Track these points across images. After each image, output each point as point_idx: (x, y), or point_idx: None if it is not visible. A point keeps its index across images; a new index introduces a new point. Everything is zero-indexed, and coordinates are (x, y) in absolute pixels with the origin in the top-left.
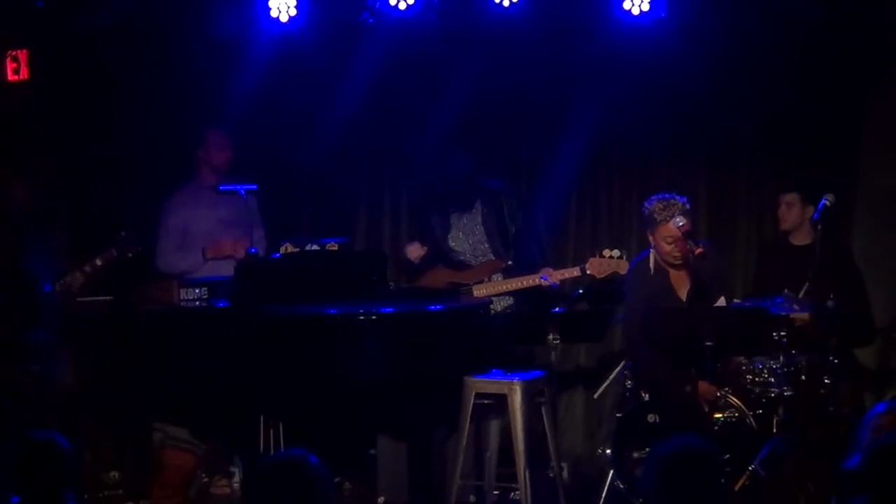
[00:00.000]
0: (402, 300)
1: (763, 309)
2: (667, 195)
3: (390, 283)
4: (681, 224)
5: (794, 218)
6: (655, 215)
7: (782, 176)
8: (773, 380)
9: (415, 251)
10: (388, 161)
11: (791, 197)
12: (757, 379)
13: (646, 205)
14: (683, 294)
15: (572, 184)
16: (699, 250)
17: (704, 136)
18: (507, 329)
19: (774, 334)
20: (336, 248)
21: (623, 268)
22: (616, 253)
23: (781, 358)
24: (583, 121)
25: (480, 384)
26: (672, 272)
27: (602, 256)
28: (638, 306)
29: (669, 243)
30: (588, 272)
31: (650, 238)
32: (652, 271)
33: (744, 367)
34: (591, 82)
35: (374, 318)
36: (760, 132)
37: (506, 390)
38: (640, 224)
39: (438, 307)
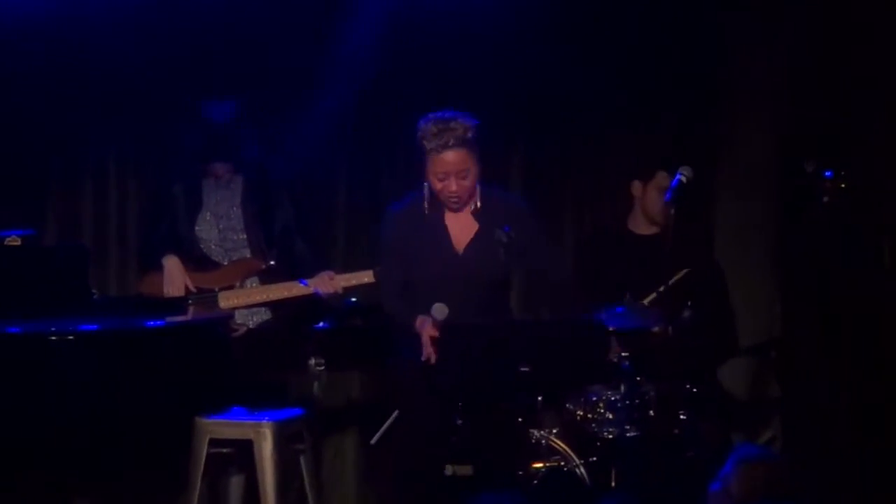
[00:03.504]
0: (111, 313)
1: (595, 321)
2: (448, 114)
3: (93, 291)
4: None
5: (656, 204)
6: (425, 142)
7: (621, 149)
8: (611, 416)
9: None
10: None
11: (663, 177)
12: (590, 415)
13: (419, 125)
14: (462, 243)
15: (364, 163)
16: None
17: (524, 102)
18: (254, 353)
19: (613, 356)
20: (18, 242)
21: None
22: None
23: (622, 387)
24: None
25: (217, 427)
26: (450, 214)
27: None
28: (395, 263)
29: (441, 179)
30: None
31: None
32: (426, 210)
33: (573, 402)
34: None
35: (70, 337)
36: (595, 97)
37: (251, 434)
38: None
39: (158, 322)
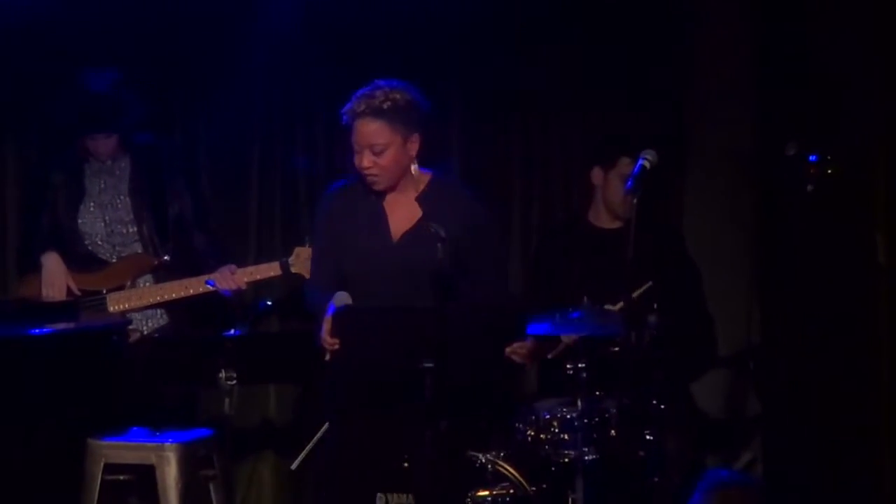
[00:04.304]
0: None
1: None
2: (380, 83)
3: None
4: None
5: (618, 193)
6: (346, 111)
7: (579, 133)
8: (566, 436)
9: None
10: None
11: (626, 164)
12: (542, 435)
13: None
14: (400, 231)
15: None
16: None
17: (462, 76)
18: (155, 364)
19: (569, 367)
20: None
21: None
22: None
23: (579, 403)
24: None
25: (113, 450)
26: (391, 198)
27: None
28: (324, 249)
29: (357, 152)
30: (294, 270)
31: None
32: (364, 192)
33: (525, 420)
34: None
35: None
36: (547, 70)
37: (152, 459)
38: None
39: (38, 330)
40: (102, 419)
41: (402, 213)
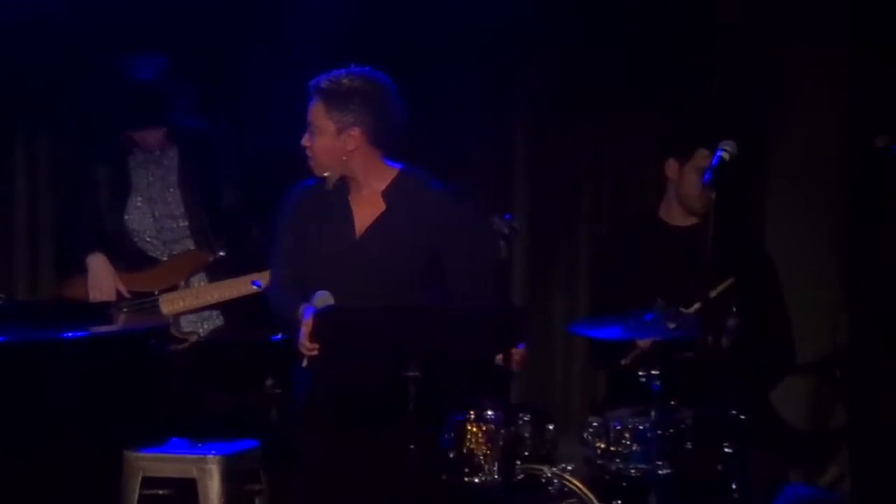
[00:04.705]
0: (19, 322)
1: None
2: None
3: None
4: None
5: (694, 188)
6: None
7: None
8: (638, 449)
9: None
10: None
11: (703, 156)
12: (613, 448)
13: None
14: (363, 225)
15: None
16: None
17: (525, 69)
18: (198, 369)
19: (642, 373)
20: None
21: None
22: None
23: (653, 414)
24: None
25: (152, 462)
26: (356, 193)
27: None
28: (286, 245)
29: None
30: None
31: None
32: (331, 186)
33: (595, 431)
34: None
35: None
36: (618, 56)
37: (194, 472)
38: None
39: (71, 333)
40: (140, 429)
41: (367, 208)
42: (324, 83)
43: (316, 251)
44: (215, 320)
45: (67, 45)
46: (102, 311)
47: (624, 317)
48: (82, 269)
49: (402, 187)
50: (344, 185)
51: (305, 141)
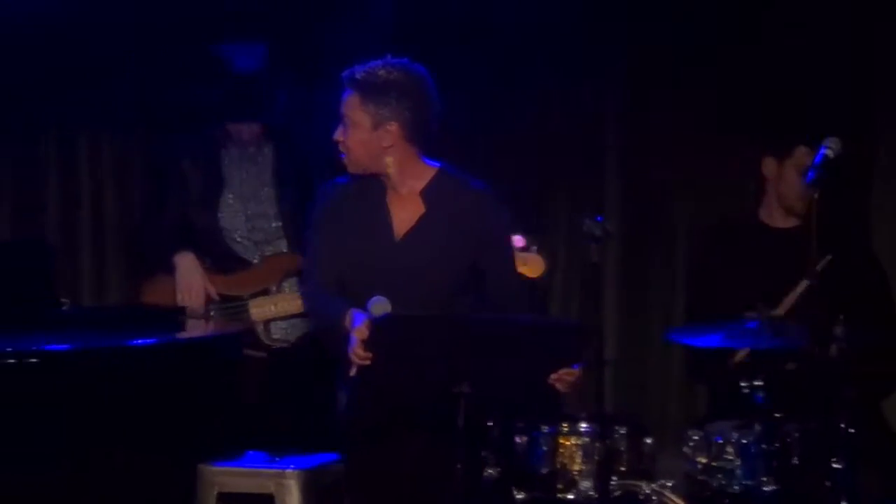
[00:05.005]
0: (84, 328)
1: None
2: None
3: (63, 301)
4: None
5: (795, 187)
6: None
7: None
8: (741, 464)
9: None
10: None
11: (804, 153)
12: (715, 463)
13: None
14: (402, 227)
15: None
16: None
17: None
18: (279, 380)
19: (744, 384)
20: None
21: (534, 266)
22: (520, 241)
23: (757, 427)
24: None
25: (226, 477)
26: (394, 193)
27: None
28: (325, 242)
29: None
30: None
31: None
32: (366, 188)
33: (695, 445)
34: None
35: (32, 360)
36: (709, 44)
37: (272, 487)
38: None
39: (140, 340)
40: (215, 442)
41: (407, 210)
42: (359, 74)
43: (352, 253)
44: (305, 327)
45: (127, 35)
46: (174, 317)
47: (723, 324)
48: (167, 269)
49: (442, 187)
50: (380, 183)
51: (339, 135)
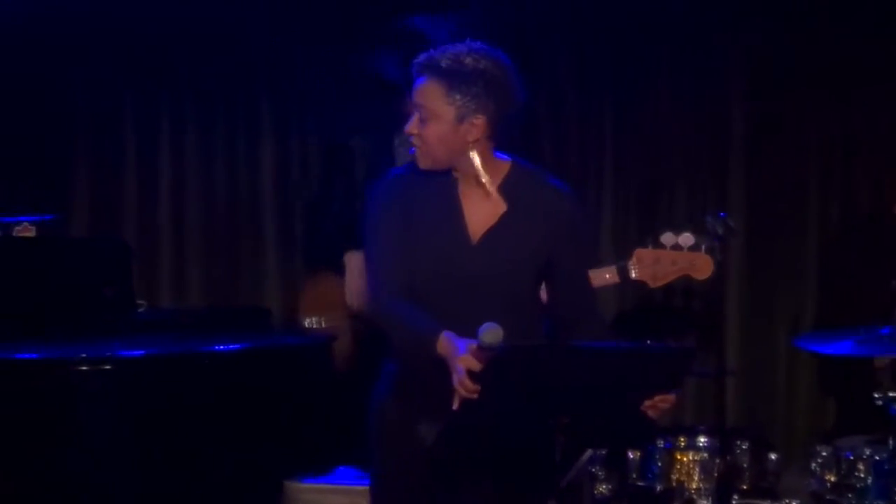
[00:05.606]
0: (163, 332)
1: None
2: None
3: (140, 302)
4: None
5: None
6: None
7: None
8: (873, 482)
9: None
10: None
11: None
12: (845, 481)
13: None
14: (480, 226)
15: None
16: None
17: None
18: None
19: (877, 396)
20: (32, 231)
21: (702, 268)
22: (688, 239)
23: (891, 442)
24: None
25: (314, 494)
26: (467, 186)
27: (659, 246)
28: (395, 238)
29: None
30: (635, 276)
31: None
32: (432, 179)
33: (823, 462)
34: None
35: (108, 367)
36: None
37: None
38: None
39: (220, 346)
40: (302, 456)
41: (484, 207)
42: (443, 61)
43: (422, 258)
44: None
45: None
46: (261, 320)
47: (856, 330)
48: (333, 267)
49: (520, 183)
50: (449, 177)
51: (413, 128)
